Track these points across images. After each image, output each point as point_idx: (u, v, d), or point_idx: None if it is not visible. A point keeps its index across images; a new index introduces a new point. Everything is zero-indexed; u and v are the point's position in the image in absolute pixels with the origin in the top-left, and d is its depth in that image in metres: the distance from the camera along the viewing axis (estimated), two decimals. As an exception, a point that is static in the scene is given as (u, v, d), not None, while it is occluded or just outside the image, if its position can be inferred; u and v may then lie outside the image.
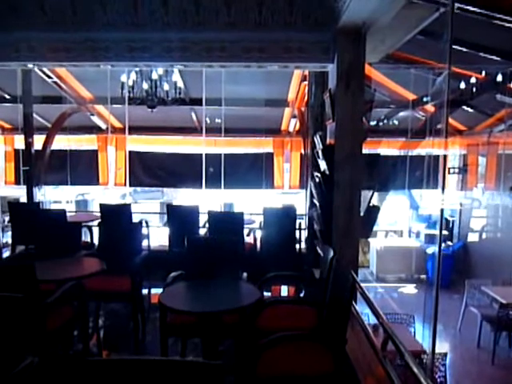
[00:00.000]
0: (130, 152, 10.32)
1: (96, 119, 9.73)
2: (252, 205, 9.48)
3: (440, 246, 3.91)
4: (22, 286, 2.70)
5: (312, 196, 4.53)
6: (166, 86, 5.80)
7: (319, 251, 5.42)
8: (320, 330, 2.81)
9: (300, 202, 7.76)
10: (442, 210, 3.73)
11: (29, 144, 6.80)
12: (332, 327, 2.57)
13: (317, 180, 4.11)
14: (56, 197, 10.72)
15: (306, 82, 7.40)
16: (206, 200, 9.08)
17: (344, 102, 3.76)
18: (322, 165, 4.04)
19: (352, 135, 3.77)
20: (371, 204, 3.83)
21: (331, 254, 3.11)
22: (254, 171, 10.31)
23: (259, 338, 2.59)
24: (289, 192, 10.83)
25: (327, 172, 3.86)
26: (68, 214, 5.62)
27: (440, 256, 3.64)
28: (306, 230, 6.23)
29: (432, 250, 9.24)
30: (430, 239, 10.28)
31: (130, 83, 5.66)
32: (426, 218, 11.44)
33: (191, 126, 9.90)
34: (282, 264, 5.21)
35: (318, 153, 4.22)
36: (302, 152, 9.81)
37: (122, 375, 1.48)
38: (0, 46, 4.03)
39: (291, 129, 10.03)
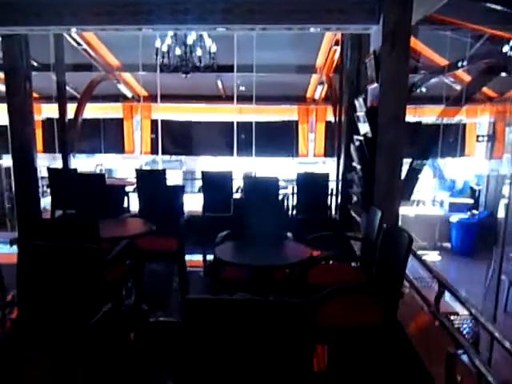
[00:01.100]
0: (156, 121, 10.38)
1: (122, 87, 9.76)
2: (273, 173, 9.52)
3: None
4: (85, 243, 2.83)
5: (351, 160, 4.56)
6: (198, 52, 5.78)
7: (354, 215, 5.51)
8: (371, 284, 2.90)
9: (322, 170, 7.80)
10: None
11: (63, 113, 6.89)
12: (385, 282, 2.66)
13: (357, 143, 4.14)
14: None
15: (337, 47, 7.30)
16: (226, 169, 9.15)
17: (389, 63, 3.73)
18: (364, 128, 4.05)
19: (396, 97, 3.76)
20: (413, 166, 3.84)
21: (379, 214, 3.18)
22: (279, 139, 10.32)
23: (309, 294, 2.71)
24: (306, 162, 10.84)
25: (369, 135, 3.88)
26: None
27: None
28: (335, 197, 6.30)
29: (456, 218, 9.24)
30: (453, 208, 10.26)
31: (165, 49, 5.66)
32: (449, 187, 11.39)
33: (216, 93, 9.89)
34: (315, 227, 5.30)
35: (358, 116, 4.23)
36: (330, 119, 9.77)
37: (217, 314, 1.59)
38: (43, 10, 4.07)
39: (317, 96, 9.94)
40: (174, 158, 11.68)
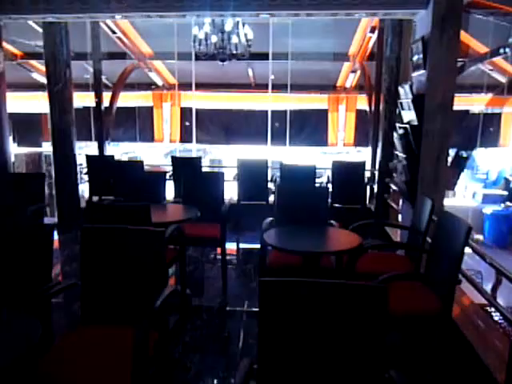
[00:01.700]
0: (185, 109, 10.44)
1: (153, 76, 9.83)
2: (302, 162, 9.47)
3: None
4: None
5: (393, 148, 4.51)
6: (234, 39, 5.76)
7: (392, 204, 5.46)
8: (425, 273, 2.88)
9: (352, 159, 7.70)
10: None
11: (99, 101, 6.99)
12: (439, 271, 2.64)
13: (401, 132, 4.08)
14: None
15: (372, 35, 7.19)
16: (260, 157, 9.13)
17: (438, 49, 3.65)
18: (408, 116, 3.99)
19: (444, 85, 3.68)
20: (460, 154, 3.77)
21: (429, 203, 3.14)
22: (308, 129, 10.26)
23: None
24: (330, 152, 10.74)
25: (415, 123, 3.82)
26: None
27: None
28: (369, 186, 6.25)
29: (490, 210, 9.05)
30: (487, 199, 10.04)
31: (202, 36, 5.66)
32: (482, 178, 11.14)
33: (247, 82, 9.87)
34: (352, 216, 5.27)
35: (402, 104, 4.16)
36: (360, 108, 9.65)
37: (296, 295, 1.60)
38: (90, -2, 4.11)
39: (348, 84, 9.82)
40: (197, 146, 11.74)
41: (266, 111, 9.14)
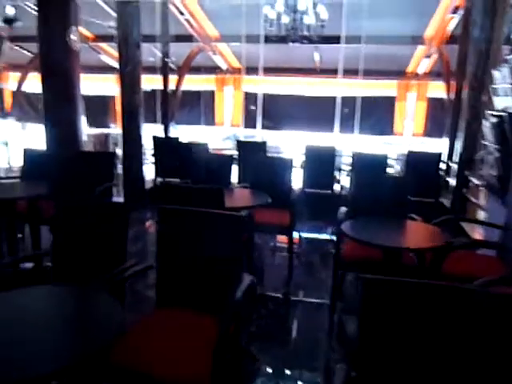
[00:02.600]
0: (247, 93, 10.34)
1: (218, 59, 9.77)
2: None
3: None
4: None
5: (482, 138, 4.12)
6: (307, 19, 5.51)
7: (472, 199, 5.04)
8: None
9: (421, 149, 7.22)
10: None
11: (166, 83, 7.01)
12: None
13: (493, 120, 3.69)
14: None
15: (453, 15, 6.65)
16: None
17: (545, 28, 3.23)
18: (504, 102, 3.60)
19: (550, 68, 3.27)
20: None
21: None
22: (372, 116, 9.82)
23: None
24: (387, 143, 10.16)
25: (512, 110, 3.43)
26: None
27: None
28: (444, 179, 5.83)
29: None
30: None
31: (273, 16, 5.46)
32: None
33: (311, 66, 9.58)
34: (427, 210, 4.93)
35: (495, 89, 3.77)
36: (433, 97, 9.07)
37: (399, 296, 1.42)
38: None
39: (420, 70, 9.25)
40: (251, 132, 11.57)
41: (331, 97, 8.81)
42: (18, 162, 8.07)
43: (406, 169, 5.42)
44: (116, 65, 10.65)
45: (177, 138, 6.33)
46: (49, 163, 4.43)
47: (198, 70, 10.18)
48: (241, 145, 6.00)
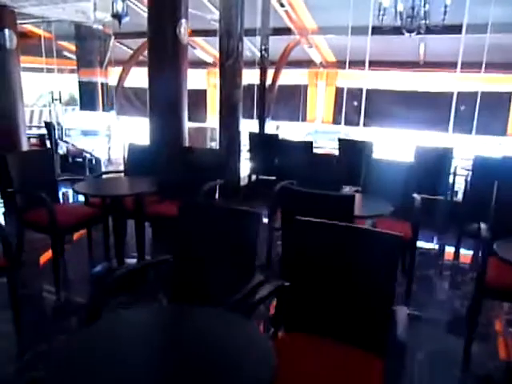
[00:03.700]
0: (340, 88, 9.86)
1: (313, 52, 9.40)
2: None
3: None
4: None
5: None
6: (426, 7, 4.96)
7: None
8: None
9: None
10: None
11: (263, 78, 6.80)
12: None
13: None
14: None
15: None
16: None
17: None
18: None
19: None
20: None
21: None
22: (483, 115, 8.84)
23: None
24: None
25: None
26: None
27: None
28: None
29: None
30: None
31: (387, 3, 4.99)
32: None
33: (414, 59, 8.86)
34: None
35: None
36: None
37: None
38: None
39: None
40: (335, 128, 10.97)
41: (440, 93, 8.05)
42: (117, 154, 8.40)
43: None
44: (209, 59, 10.79)
45: (276, 135, 6.09)
46: (153, 158, 4.41)
47: (290, 64, 9.89)
48: (344, 144, 5.61)
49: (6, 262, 2.78)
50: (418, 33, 5.12)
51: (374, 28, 6.41)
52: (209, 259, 2.09)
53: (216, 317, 1.61)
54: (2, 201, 5.28)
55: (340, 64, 9.69)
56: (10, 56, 5.40)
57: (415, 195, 3.82)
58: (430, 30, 5.12)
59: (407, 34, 5.08)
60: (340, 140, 5.70)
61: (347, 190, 4.16)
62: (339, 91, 10.15)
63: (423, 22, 5.15)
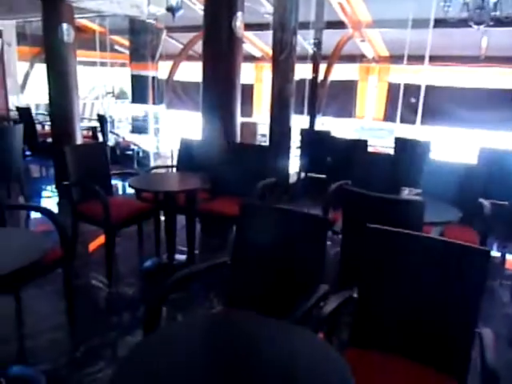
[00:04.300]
0: (394, 84, 9.47)
1: (365, 46, 9.06)
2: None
3: None
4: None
5: None
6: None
7: None
8: None
9: None
10: None
11: (316, 72, 6.60)
12: None
13: None
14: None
15: None
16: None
17: None
18: None
19: None
20: None
21: None
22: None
23: None
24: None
25: None
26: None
27: None
28: None
29: None
30: None
31: (454, -5, 4.68)
32: None
33: (474, 54, 8.34)
34: None
35: None
36: None
37: None
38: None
39: None
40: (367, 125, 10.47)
41: (502, 89, 7.55)
42: (165, 147, 8.47)
43: None
44: (258, 54, 10.67)
45: (328, 132, 5.89)
46: (204, 153, 4.35)
47: (340, 58, 9.59)
48: (400, 143, 5.34)
49: (62, 254, 2.80)
50: (487, 25, 4.76)
51: (436, 20, 6.05)
52: (270, 265, 1.98)
53: (282, 329, 1.49)
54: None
55: (393, 59, 9.30)
56: (67, 49, 5.49)
57: (482, 200, 3.56)
58: (499, 22, 4.75)
59: (475, 27, 4.74)
60: (397, 139, 5.43)
61: (406, 192, 3.93)
62: (391, 87, 9.76)
63: (493, 13, 4.79)
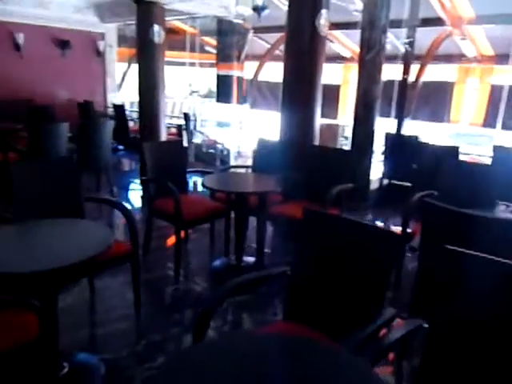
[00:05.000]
0: (497, 87, 8.60)
1: (465, 45, 8.33)
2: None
3: None
4: None
5: None
6: None
7: None
8: None
9: None
10: None
11: (406, 73, 6.18)
12: None
13: None
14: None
15: None
16: None
17: None
18: None
19: None
20: None
21: None
22: None
23: None
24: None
25: None
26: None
27: None
28: None
29: None
30: None
31: None
32: None
33: None
34: None
35: None
36: None
37: None
38: None
39: None
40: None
41: None
42: (247, 147, 8.52)
43: None
44: (347, 54, 10.33)
45: (415, 137, 5.47)
46: (281, 155, 4.23)
47: (436, 58, 8.92)
48: (498, 151, 4.78)
49: (132, 249, 2.87)
50: None
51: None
52: (332, 279, 1.81)
53: (336, 357, 1.32)
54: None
55: (498, 58, 8.44)
56: (156, 50, 5.72)
57: None
58: None
59: None
60: (495, 147, 4.87)
61: (503, 208, 3.47)
62: (494, 89, 8.87)
63: None
